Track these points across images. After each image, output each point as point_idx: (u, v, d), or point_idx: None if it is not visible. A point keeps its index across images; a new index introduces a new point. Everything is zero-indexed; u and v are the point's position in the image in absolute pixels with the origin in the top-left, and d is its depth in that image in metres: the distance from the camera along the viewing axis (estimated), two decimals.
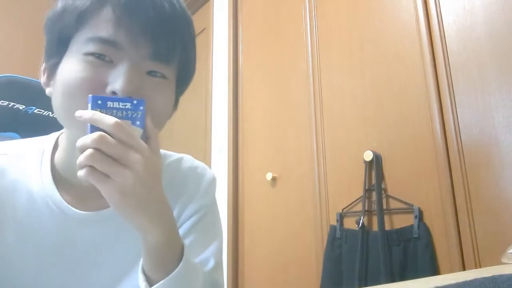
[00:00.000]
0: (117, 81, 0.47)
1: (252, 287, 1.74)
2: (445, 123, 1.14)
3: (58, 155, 0.58)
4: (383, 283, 1.05)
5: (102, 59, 0.48)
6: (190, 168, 0.67)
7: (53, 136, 0.61)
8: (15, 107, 0.90)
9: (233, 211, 1.88)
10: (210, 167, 2.12)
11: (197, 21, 2.60)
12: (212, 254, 0.62)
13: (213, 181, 0.69)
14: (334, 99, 1.49)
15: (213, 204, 0.68)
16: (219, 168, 2.06)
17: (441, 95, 1.16)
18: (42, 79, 0.55)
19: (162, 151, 0.67)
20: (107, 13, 0.49)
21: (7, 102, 0.90)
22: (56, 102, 0.52)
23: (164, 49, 0.50)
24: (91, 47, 0.48)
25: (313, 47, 1.62)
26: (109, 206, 0.56)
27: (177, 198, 0.63)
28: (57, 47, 0.51)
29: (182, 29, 0.53)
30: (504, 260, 0.67)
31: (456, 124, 1.11)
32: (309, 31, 1.65)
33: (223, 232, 0.70)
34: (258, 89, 1.92)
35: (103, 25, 0.48)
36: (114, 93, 0.47)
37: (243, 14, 2.11)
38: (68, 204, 0.55)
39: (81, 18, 0.49)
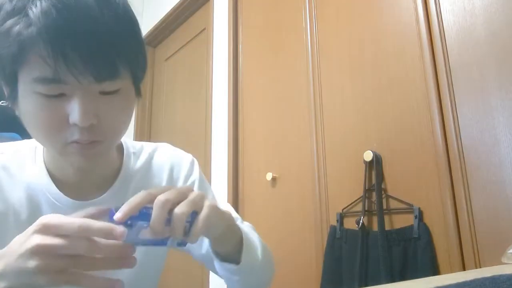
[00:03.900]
0: (74, 114, 0.49)
1: None
2: (445, 123, 1.14)
3: (47, 153, 0.63)
4: (383, 283, 1.06)
5: (55, 96, 0.49)
6: (165, 160, 0.73)
7: None
8: None
9: None
10: (210, 167, 2.12)
11: (197, 21, 2.60)
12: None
13: (192, 163, 0.75)
14: (334, 99, 1.50)
15: (203, 181, 0.76)
16: (219, 168, 2.06)
17: (441, 95, 1.16)
18: (7, 101, 0.55)
19: (140, 143, 0.74)
20: (43, 49, 0.46)
21: (8, 102, 0.90)
22: (30, 132, 0.54)
23: (107, 71, 0.49)
24: (40, 88, 0.48)
25: (313, 47, 1.62)
26: (97, 196, 0.62)
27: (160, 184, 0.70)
28: (6, 80, 0.51)
29: (123, 37, 0.51)
30: (504, 260, 0.67)
31: (456, 124, 1.11)
32: (309, 31, 1.65)
33: None
34: (258, 89, 1.92)
35: (42, 63, 0.47)
36: (76, 124, 0.49)
37: (243, 14, 2.11)
38: (63, 194, 0.60)
39: (17, 59, 0.48)
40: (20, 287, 0.40)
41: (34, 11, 0.46)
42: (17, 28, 0.46)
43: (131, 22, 0.53)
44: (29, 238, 0.40)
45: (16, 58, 0.47)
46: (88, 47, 0.47)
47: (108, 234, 0.40)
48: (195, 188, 0.73)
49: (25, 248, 0.39)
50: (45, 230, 0.40)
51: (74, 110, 0.49)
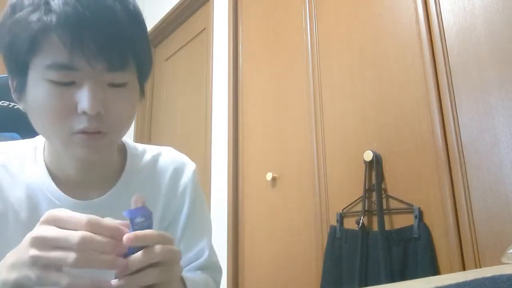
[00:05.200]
0: (83, 102, 0.50)
1: (252, 287, 1.74)
2: (445, 123, 1.14)
3: (47, 152, 0.63)
4: (383, 283, 1.06)
5: (65, 83, 0.51)
6: (169, 163, 0.72)
7: (41, 136, 0.66)
8: (15, 107, 0.90)
9: (233, 211, 1.88)
10: (210, 167, 2.12)
11: (197, 21, 2.60)
12: (206, 243, 0.71)
13: (194, 172, 0.74)
14: (334, 99, 1.50)
15: (198, 194, 0.74)
16: (219, 168, 2.06)
17: (441, 95, 1.16)
18: (13, 95, 0.57)
19: (142, 145, 0.74)
20: (59, 36, 0.49)
21: (8, 102, 0.90)
22: (35, 123, 0.55)
23: (118, 61, 0.52)
24: (53, 75, 0.50)
25: (313, 47, 1.62)
26: (98, 196, 0.62)
27: (159, 194, 0.69)
28: (17, 69, 0.53)
29: (133, 32, 0.54)
30: (504, 260, 0.67)
31: (456, 124, 1.11)
32: (309, 31, 1.65)
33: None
34: (258, 89, 1.92)
35: (57, 50, 0.49)
36: (85, 112, 0.51)
37: (243, 14, 2.11)
38: (63, 193, 0.60)
39: (33, 46, 0.50)
40: (26, 280, 0.41)
41: (55, 0, 0.49)
42: (37, 14, 0.49)
43: (140, 19, 0.57)
44: (37, 228, 0.41)
45: (33, 44, 0.50)
46: (103, 35, 0.50)
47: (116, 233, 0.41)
48: (189, 198, 0.72)
49: (29, 237, 0.41)
50: (52, 222, 0.41)
51: (83, 98, 0.50)
